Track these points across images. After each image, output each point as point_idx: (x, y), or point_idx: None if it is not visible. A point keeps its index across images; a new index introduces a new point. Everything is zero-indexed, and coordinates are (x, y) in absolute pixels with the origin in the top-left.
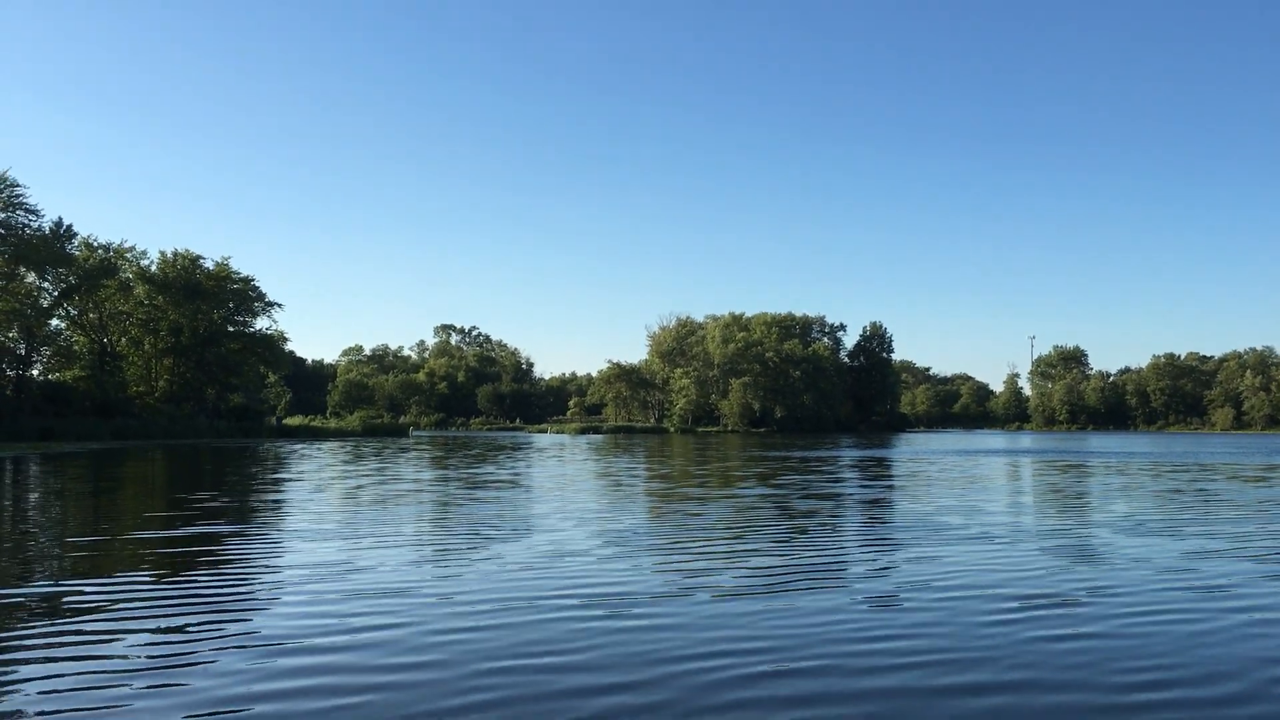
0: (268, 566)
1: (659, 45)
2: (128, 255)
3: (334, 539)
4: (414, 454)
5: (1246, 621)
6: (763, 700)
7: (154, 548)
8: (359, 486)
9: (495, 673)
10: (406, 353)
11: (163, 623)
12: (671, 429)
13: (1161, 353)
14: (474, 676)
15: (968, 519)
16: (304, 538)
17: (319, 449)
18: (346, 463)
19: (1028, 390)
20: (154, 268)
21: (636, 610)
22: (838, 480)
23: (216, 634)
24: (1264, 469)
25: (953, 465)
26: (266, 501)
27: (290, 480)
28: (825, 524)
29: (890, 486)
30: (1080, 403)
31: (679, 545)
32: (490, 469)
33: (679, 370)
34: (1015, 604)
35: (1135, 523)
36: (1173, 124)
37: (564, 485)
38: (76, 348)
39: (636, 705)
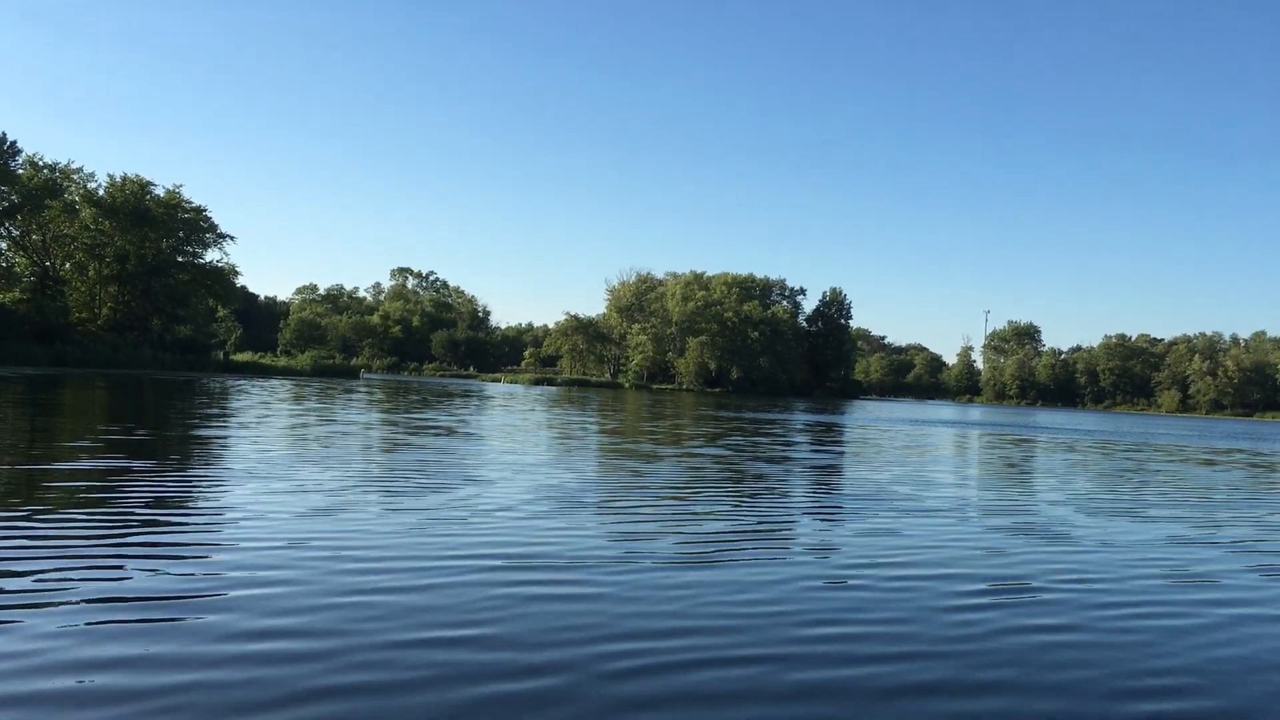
0: (153, 509)
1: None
2: (74, 177)
3: (241, 482)
4: (357, 395)
5: (1229, 616)
6: (682, 696)
7: (47, 481)
8: (289, 427)
9: (384, 646)
10: (362, 294)
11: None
12: (626, 385)
13: (1113, 333)
14: (357, 651)
15: (922, 490)
16: (206, 480)
17: (260, 386)
18: (283, 401)
19: (980, 363)
20: (102, 191)
21: (557, 578)
22: (790, 445)
23: (59, 586)
24: (1213, 451)
25: (906, 434)
26: (180, 437)
27: (217, 416)
28: (774, 489)
29: (843, 453)
30: (1031, 378)
31: (617, 506)
32: (433, 414)
33: (637, 326)
34: (976, 587)
35: (1091, 502)
36: (1133, 107)
37: (506, 435)
38: (17, 269)
39: (534, 692)
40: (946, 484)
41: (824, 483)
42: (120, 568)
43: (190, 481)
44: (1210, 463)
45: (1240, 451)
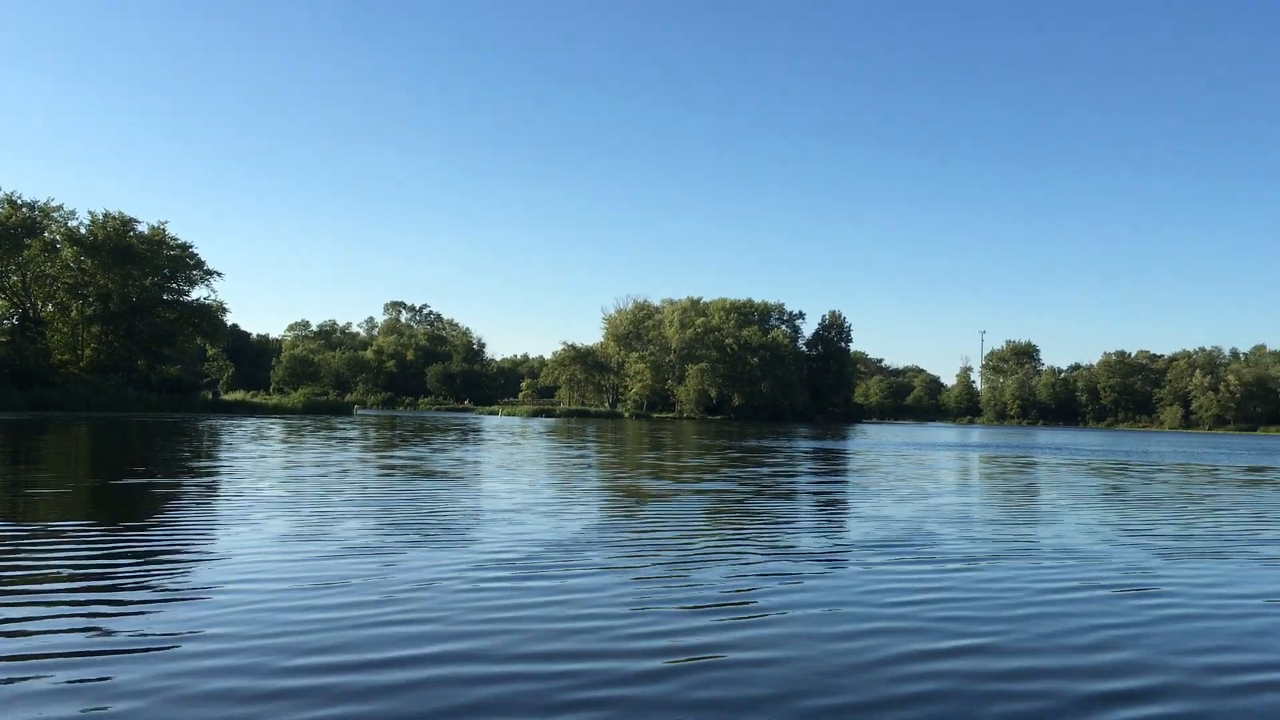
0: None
1: (621, 29)
2: (55, 215)
3: (199, 538)
4: (347, 434)
5: None
6: None
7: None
8: (259, 473)
9: None
10: (355, 329)
11: None
12: (626, 414)
13: (1112, 350)
14: None
15: (973, 531)
16: (158, 538)
17: (245, 427)
18: (263, 442)
19: (980, 384)
20: (83, 229)
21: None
22: (807, 476)
23: None
24: (1249, 470)
25: (930, 461)
26: (118, 487)
27: (187, 461)
28: (791, 531)
29: (870, 489)
30: (1031, 398)
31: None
32: (424, 452)
33: (635, 354)
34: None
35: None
36: (1127, 123)
37: (503, 476)
38: None
39: None
40: (985, 520)
41: (845, 523)
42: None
43: (138, 538)
44: (1256, 483)
45: (1273, 469)
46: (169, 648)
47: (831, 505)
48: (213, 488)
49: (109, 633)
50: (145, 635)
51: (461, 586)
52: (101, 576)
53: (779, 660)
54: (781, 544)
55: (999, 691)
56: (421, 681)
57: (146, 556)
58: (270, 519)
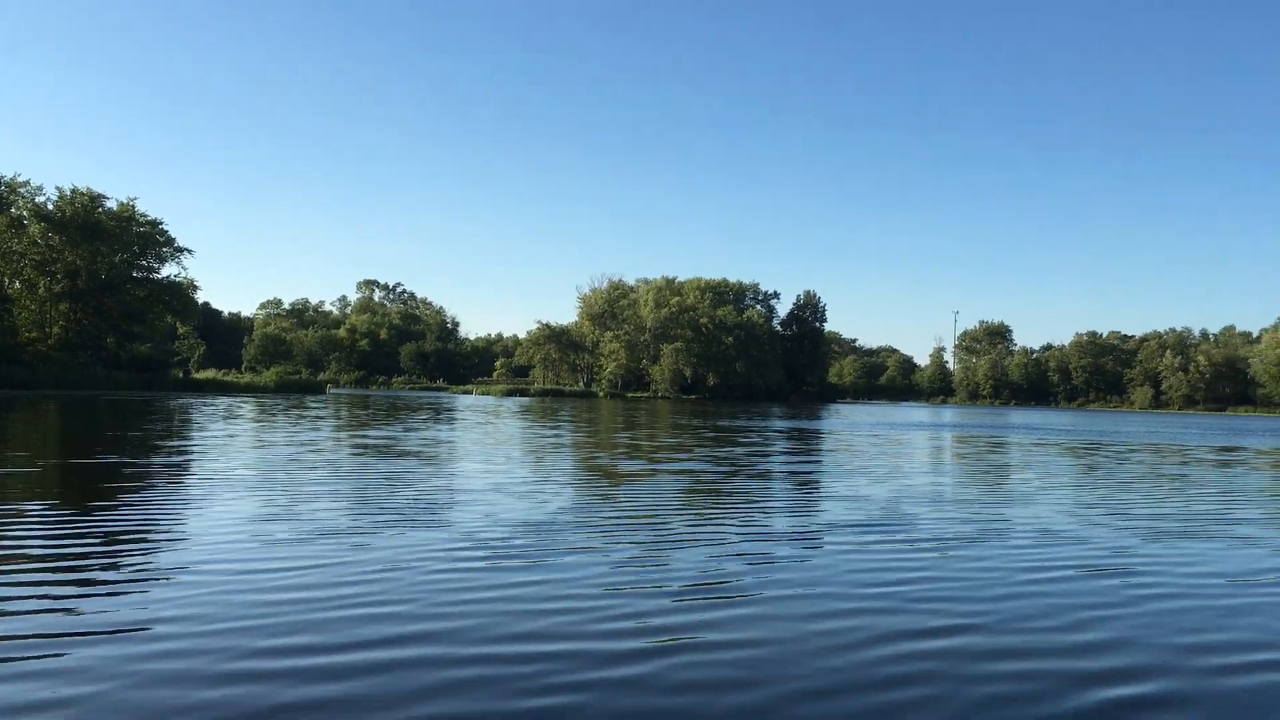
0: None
1: (596, 5)
2: (22, 190)
3: (163, 517)
4: (319, 412)
5: None
6: None
7: None
8: (221, 453)
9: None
10: (328, 308)
11: None
12: (601, 393)
13: (1084, 331)
14: None
15: (960, 512)
16: (119, 518)
17: (215, 405)
18: (232, 421)
19: (953, 364)
20: (51, 205)
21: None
22: (785, 456)
23: None
24: (1220, 450)
25: (905, 442)
26: (85, 466)
27: (146, 438)
28: (766, 513)
29: (845, 470)
30: (1004, 378)
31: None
32: (396, 431)
33: (609, 334)
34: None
35: (1160, 522)
36: (1101, 103)
37: (477, 455)
38: None
39: None
40: (961, 501)
41: (847, 497)
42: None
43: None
44: (1227, 464)
45: (1243, 449)
46: (135, 630)
47: (807, 486)
48: (181, 468)
49: (74, 614)
50: (111, 617)
51: (434, 569)
52: (67, 558)
53: (758, 641)
54: (758, 525)
55: (981, 673)
56: (391, 663)
57: (113, 538)
58: (239, 500)
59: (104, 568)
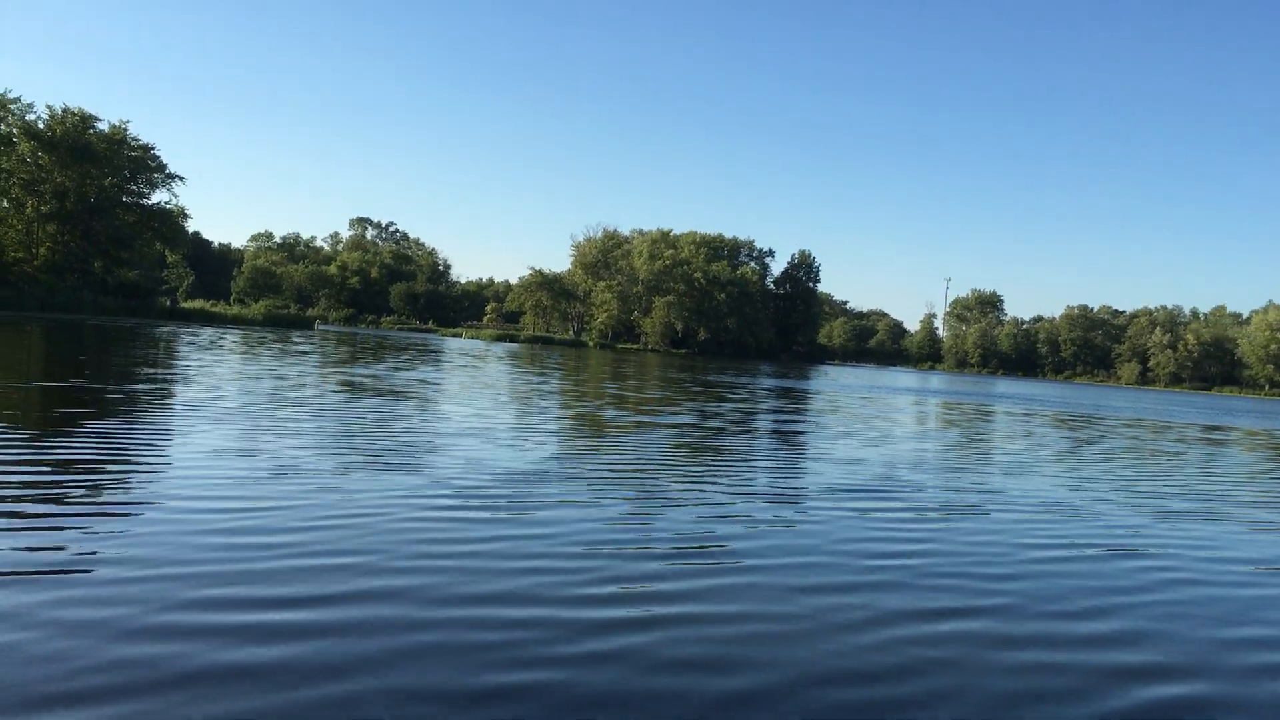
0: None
1: None
2: (11, 107)
3: (130, 453)
4: (305, 348)
5: None
6: None
7: None
8: (194, 384)
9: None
10: (319, 243)
11: None
12: (590, 343)
13: (1075, 303)
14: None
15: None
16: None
17: (200, 335)
18: (213, 352)
19: (942, 331)
20: (41, 124)
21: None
22: (775, 415)
23: None
24: (1210, 430)
25: (896, 405)
26: (54, 390)
27: (125, 364)
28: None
29: (837, 431)
30: (993, 347)
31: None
32: (385, 371)
33: (602, 284)
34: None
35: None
36: (1097, 81)
37: (464, 399)
38: None
39: None
40: (958, 469)
41: (846, 461)
42: None
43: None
44: (1217, 442)
45: (1233, 429)
46: (68, 571)
47: (799, 446)
48: (153, 396)
49: (6, 550)
50: (47, 556)
51: (402, 517)
52: (9, 486)
53: (748, 617)
54: (749, 486)
55: (997, 664)
56: (342, 625)
57: (66, 466)
58: (207, 432)
59: (49, 500)
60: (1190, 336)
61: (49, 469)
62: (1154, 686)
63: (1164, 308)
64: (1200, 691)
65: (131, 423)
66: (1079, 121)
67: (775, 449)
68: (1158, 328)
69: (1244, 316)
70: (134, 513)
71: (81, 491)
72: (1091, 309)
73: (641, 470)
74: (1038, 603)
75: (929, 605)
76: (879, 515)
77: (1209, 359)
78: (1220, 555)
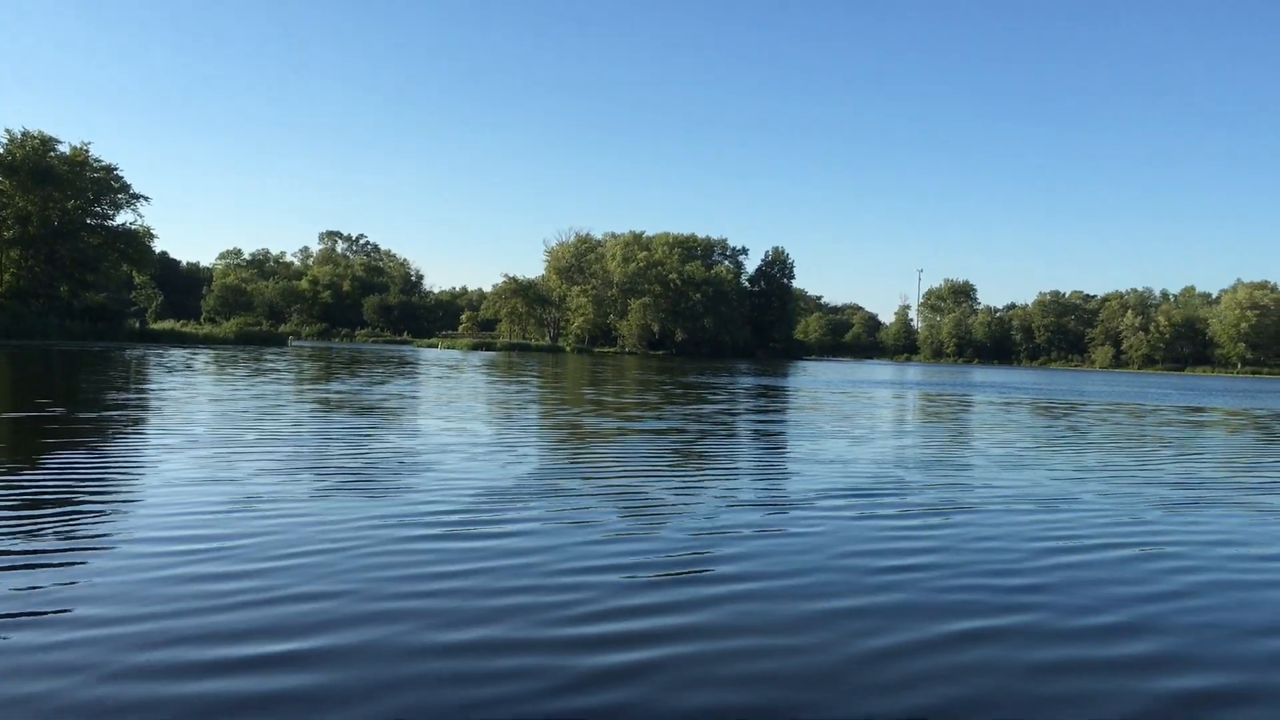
0: None
1: None
2: None
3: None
4: (279, 365)
5: None
6: None
7: None
8: (165, 409)
9: None
10: (289, 259)
11: None
12: (567, 349)
13: (1047, 290)
14: None
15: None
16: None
17: (165, 356)
18: (176, 372)
19: (917, 322)
20: (0, 148)
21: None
22: (758, 415)
23: None
24: (1190, 411)
25: (877, 400)
26: (12, 421)
27: (90, 390)
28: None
29: (822, 430)
30: (968, 336)
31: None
32: (352, 385)
33: (576, 288)
34: None
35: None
36: (1058, 69)
37: (443, 412)
38: None
39: None
40: (953, 465)
41: (840, 461)
42: None
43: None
44: (1201, 424)
45: (1212, 409)
46: (40, 612)
47: (785, 448)
48: (122, 424)
49: None
50: (13, 597)
51: (378, 549)
52: None
53: (747, 630)
54: (737, 492)
55: (1025, 692)
56: (296, 694)
57: (21, 504)
58: (178, 460)
59: (21, 535)
60: (1161, 318)
61: (14, 505)
62: (1216, 710)
63: (1135, 290)
64: (1234, 684)
65: (101, 453)
66: (1043, 111)
67: (762, 452)
68: (1129, 311)
69: (1213, 296)
70: (94, 553)
71: (37, 530)
72: (1063, 294)
73: (626, 482)
74: (1057, 613)
75: (944, 629)
76: (876, 519)
77: (1181, 340)
78: (1243, 553)
